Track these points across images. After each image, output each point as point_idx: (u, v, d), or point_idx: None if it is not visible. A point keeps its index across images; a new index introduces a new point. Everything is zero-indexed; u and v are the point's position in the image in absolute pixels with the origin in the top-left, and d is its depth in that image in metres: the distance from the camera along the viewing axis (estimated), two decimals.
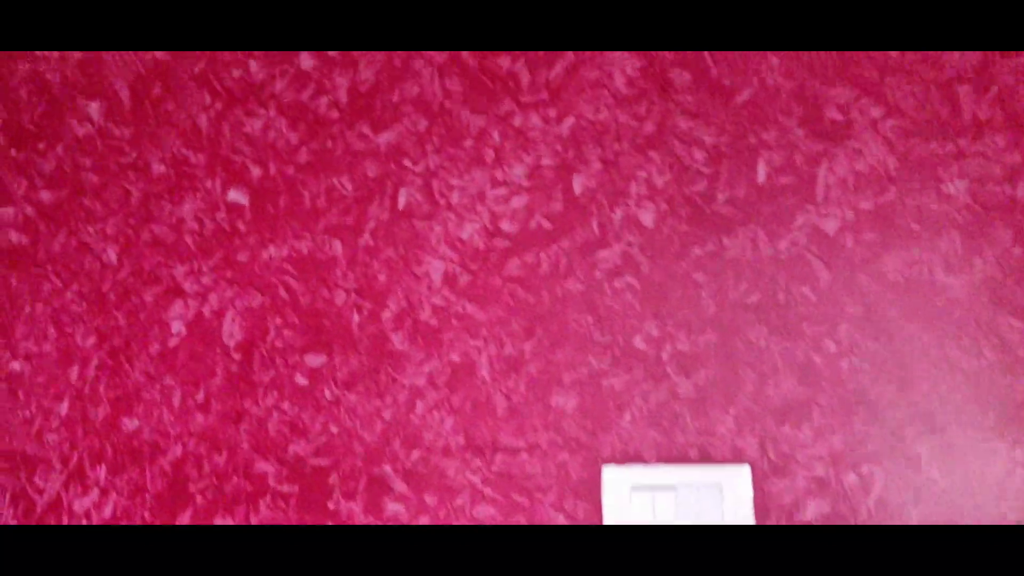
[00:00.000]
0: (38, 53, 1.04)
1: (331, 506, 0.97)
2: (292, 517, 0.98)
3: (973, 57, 0.97)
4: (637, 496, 0.94)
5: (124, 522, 0.99)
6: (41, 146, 1.06)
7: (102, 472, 1.01)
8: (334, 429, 1.00)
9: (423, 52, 1.02)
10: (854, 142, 0.97)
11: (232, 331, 1.03)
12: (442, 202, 1.01)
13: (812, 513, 0.92)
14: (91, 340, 1.04)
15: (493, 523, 0.95)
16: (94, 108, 1.05)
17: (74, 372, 1.04)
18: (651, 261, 0.98)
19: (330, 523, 0.97)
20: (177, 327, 1.03)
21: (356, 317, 1.01)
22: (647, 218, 0.99)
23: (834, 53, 0.98)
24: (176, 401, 1.02)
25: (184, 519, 0.99)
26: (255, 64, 1.04)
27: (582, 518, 0.95)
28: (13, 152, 1.06)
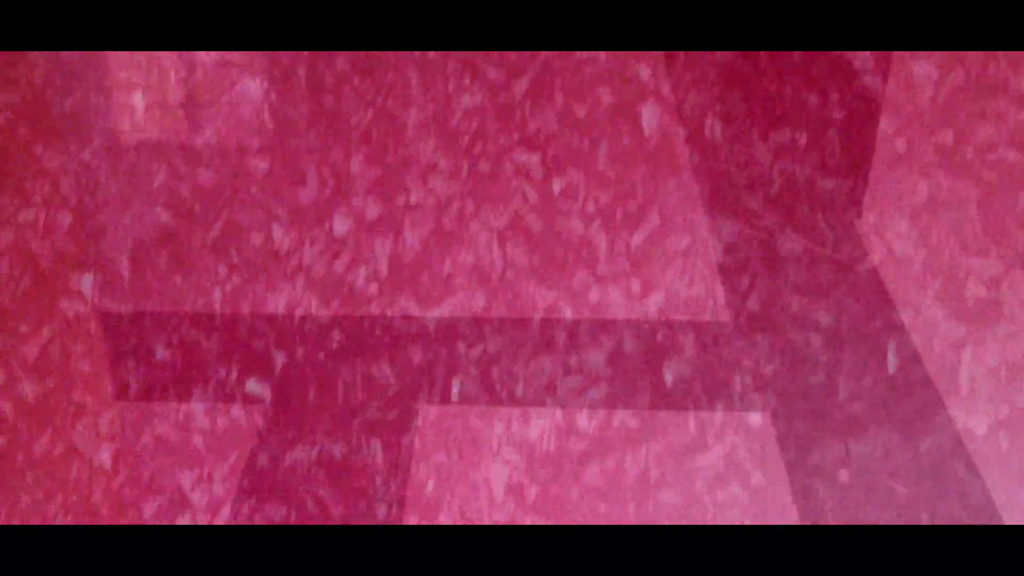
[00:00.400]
0: (22, 220, 0.88)
1: None
2: None
3: None
4: None
5: None
6: (23, 330, 0.89)
7: None
8: None
9: (479, 213, 0.86)
10: (1005, 324, 0.81)
11: None
12: (503, 394, 0.84)
13: None
14: None
15: None
16: (87, 283, 0.89)
17: None
18: (761, 469, 0.81)
19: None
20: None
21: None
22: (755, 416, 0.82)
23: (975, 215, 0.82)
24: None
25: None
26: (279, 230, 0.88)
27: None
28: None
